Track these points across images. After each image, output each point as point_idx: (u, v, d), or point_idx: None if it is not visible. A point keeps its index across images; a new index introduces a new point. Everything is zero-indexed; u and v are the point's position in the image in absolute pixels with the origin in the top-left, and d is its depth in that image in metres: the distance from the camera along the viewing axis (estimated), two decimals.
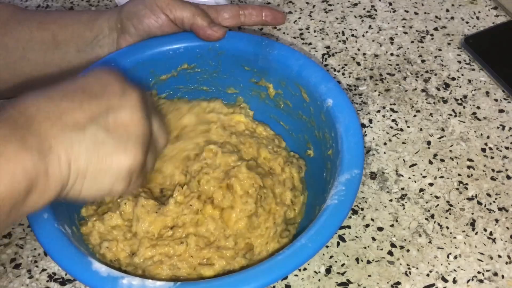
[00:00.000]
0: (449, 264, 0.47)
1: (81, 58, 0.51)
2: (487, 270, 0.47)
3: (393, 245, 0.49)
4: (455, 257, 0.48)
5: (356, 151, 0.43)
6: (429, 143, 0.56)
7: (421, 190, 0.52)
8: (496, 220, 0.50)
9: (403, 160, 0.55)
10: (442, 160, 0.54)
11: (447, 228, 0.50)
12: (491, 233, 0.49)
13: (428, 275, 0.47)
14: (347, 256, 0.48)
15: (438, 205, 0.51)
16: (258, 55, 0.50)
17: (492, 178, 0.53)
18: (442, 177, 0.53)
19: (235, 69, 0.53)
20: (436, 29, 0.67)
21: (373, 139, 0.56)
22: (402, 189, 0.52)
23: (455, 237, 0.49)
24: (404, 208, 0.51)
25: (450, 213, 0.51)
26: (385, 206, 0.51)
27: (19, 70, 0.51)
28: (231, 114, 0.54)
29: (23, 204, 0.31)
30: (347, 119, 0.45)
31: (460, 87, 0.61)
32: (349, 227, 0.50)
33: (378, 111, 0.59)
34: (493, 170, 0.54)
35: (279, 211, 0.47)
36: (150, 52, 0.50)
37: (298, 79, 0.49)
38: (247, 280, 0.36)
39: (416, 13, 0.69)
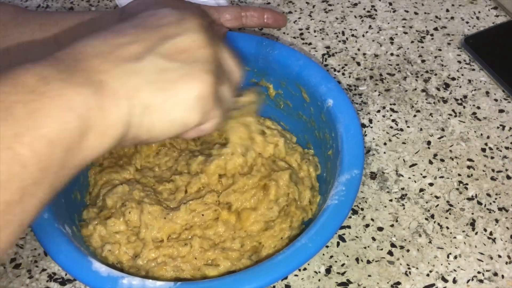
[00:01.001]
0: (449, 264, 0.47)
1: None
2: (487, 270, 0.47)
3: (393, 245, 0.49)
4: (455, 257, 0.48)
5: (356, 151, 0.43)
6: (429, 143, 0.56)
7: (421, 190, 0.52)
8: (496, 220, 0.50)
9: (403, 160, 0.55)
10: (442, 160, 0.54)
11: (447, 228, 0.50)
12: (491, 233, 0.49)
13: (428, 275, 0.47)
14: (347, 256, 0.48)
15: (438, 205, 0.51)
16: (259, 55, 0.50)
17: (492, 178, 0.53)
18: (442, 177, 0.53)
19: None
20: (436, 29, 0.67)
21: (373, 139, 0.56)
22: (402, 189, 0.52)
23: (455, 237, 0.49)
24: (404, 208, 0.51)
25: (450, 213, 0.51)
26: (385, 206, 0.51)
27: None
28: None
29: (80, 148, 0.27)
30: (347, 119, 0.45)
31: (460, 87, 0.61)
32: (349, 227, 0.50)
33: (378, 111, 0.59)
34: (493, 170, 0.54)
35: (298, 215, 0.46)
36: None
37: (298, 79, 0.49)
38: (247, 280, 0.36)
39: (416, 13, 0.69)
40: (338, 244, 0.49)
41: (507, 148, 0.55)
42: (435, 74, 0.62)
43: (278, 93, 0.52)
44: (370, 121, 0.58)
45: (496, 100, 0.59)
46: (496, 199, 0.52)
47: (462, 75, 0.62)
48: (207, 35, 0.32)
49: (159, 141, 0.41)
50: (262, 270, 0.37)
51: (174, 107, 0.30)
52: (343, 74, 0.62)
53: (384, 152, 0.55)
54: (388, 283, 0.46)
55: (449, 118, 0.58)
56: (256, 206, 0.45)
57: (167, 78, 0.30)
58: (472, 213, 0.51)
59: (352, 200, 0.40)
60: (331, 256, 0.48)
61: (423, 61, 0.63)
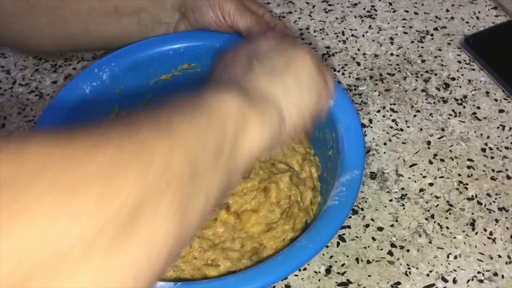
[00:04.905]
0: (449, 264, 0.47)
1: (141, 32, 0.52)
2: (487, 270, 0.47)
3: (393, 245, 0.49)
4: (455, 257, 0.48)
5: (357, 152, 0.43)
6: (429, 143, 0.56)
7: (421, 190, 0.52)
8: (496, 220, 0.50)
9: (403, 160, 0.55)
10: (442, 160, 0.54)
11: (447, 228, 0.50)
12: (491, 233, 0.49)
13: (428, 275, 0.47)
14: (347, 256, 0.48)
15: (438, 205, 0.51)
16: None
17: (492, 178, 0.53)
18: (442, 177, 0.53)
19: None
20: (436, 29, 0.67)
21: (373, 139, 0.56)
22: (402, 189, 0.52)
23: (455, 237, 0.49)
24: (404, 208, 0.51)
25: (450, 213, 0.51)
26: (385, 206, 0.51)
27: (80, 42, 0.52)
28: None
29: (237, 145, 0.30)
30: (348, 120, 0.45)
31: (460, 87, 0.61)
32: (349, 227, 0.50)
33: (378, 111, 0.59)
34: (493, 170, 0.54)
35: (301, 217, 0.46)
36: (150, 52, 0.51)
37: None
38: (247, 281, 0.36)
39: (416, 13, 0.69)
40: (338, 244, 0.49)
41: (507, 148, 0.55)
42: (435, 74, 0.62)
43: None
44: (370, 121, 0.58)
45: (496, 100, 0.60)
46: (496, 199, 0.52)
47: (462, 75, 0.62)
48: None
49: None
50: (262, 270, 0.37)
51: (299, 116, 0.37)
52: (343, 74, 0.62)
53: (384, 152, 0.55)
54: (388, 283, 0.46)
55: (449, 118, 0.58)
56: (257, 208, 0.45)
57: (302, 91, 0.37)
58: (472, 213, 0.51)
59: (352, 201, 0.40)
60: (331, 256, 0.48)
61: (423, 61, 0.63)
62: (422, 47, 0.65)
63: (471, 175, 0.53)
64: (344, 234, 0.49)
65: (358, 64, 0.63)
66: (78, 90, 0.48)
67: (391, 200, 0.52)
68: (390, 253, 0.48)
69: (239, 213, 0.45)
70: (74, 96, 0.48)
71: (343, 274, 0.47)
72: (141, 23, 0.51)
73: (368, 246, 0.49)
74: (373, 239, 0.49)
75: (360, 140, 0.44)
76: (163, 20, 0.52)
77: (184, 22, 0.52)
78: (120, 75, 0.50)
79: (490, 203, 0.51)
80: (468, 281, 0.47)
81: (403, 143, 0.56)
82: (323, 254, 0.48)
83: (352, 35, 0.66)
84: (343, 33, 0.67)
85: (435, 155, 0.55)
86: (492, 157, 0.55)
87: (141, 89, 0.53)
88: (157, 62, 0.51)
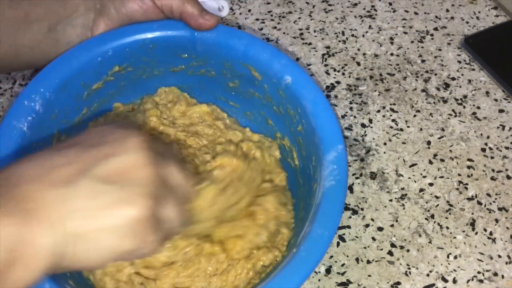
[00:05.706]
0: (449, 264, 0.47)
1: (51, 38, 0.48)
2: (487, 270, 0.47)
3: (393, 245, 0.49)
4: (455, 257, 0.48)
5: (333, 127, 0.42)
6: (429, 143, 0.56)
7: (421, 190, 0.52)
8: (496, 220, 0.50)
9: (403, 160, 0.55)
10: (442, 160, 0.54)
11: (447, 228, 0.50)
12: (491, 233, 0.49)
13: (428, 275, 0.47)
14: (347, 256, 0.48)
15: (438, 205, 0.51)
16: (196, 41, 0.48)
17: (492, 178, 0.53)
18: (442, 177, 0.53)
19: (171, 59, 0.49)
20: (436, 29, 0.67)
21: (373, 139, 0.56)
22: (402, 189, 0.52)
23: (455, 237, 0.49)
24: (404, 208, 0.51)
25: (450, 213, 0.51)
26: (385, 206, 0.51)
27: None
28: (192, 106, 0.50)
29: (5, 281, 0.26)
30: (313, 95, 0.44)
31: (460, 87, 0.61)
32: (349, 227, 0.50)
33: (378, 111, 0.59)
34: (493, 170, 0.54)
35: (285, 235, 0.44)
36: (76, 63, 0.46)
37: (246, 59, 0.47)
38: (285, 280, 0.35)
39: (416, 13, 0.69)
40: (338, 244, 0.49)
41: (507, 148, 0.55)
42: (435, 74, 0.62)
43: (222, 73, 0.50)
44: (370, 121, 0.58)
45: (496, 100, 0.60)
46: (496, 199, 0.52)
47: (462, 75, 0.62)
48: (148, 154, 0.31)
49: (100, 267, 0.39)
50: (294, 268, 0.36)
51: (107, 234, 0.28)
52: (343, 74, 0.62)
53: (384, 152, 0.55)
54: (388, 283, 0.46)
55: (449, 118, 0.58)
56: (243, 234, 0.43)
57: (100, 203, 0.28)
58: (472, 213, 0.51)
59: (346, 177, 0.40)
60: (331, 256, 0.48)
61: (423, 61, 0.63)
62: (422, 47, 0.65)
63: (471, 175, 0.53)
64: (344, 234, 0.49)
65: (358, 64, 0.63)
66: (15, 131, 0.42)
67: (391, 200, 0.52)
68: (390, 253, 0.48)
69: (223, 241, 0.42)
70: (13, 138, 0.42)
71: (343, 274, 0.47)
72: (51, 27, 0.47)
73: (368, 246, 0.49)
74: (373, 239, 0.49)
75: (332, 113, 0.43)
76: (76, 21, 0.47)
77: (104, 19, 0.47)
78: (52, 99, 0.45)
79: (490, 203, 0.51)
80: (468, 281, 0.47)
81: (403, 143, 0.56)
82: None
83: (352, 35, 0.66)
84: (343, 33, 0.67)
85: (435, 155, 0.55)
86: (492, 157, 0.55)
87: (75, 105, 0.48)
88: (86, 73, 0.47)
